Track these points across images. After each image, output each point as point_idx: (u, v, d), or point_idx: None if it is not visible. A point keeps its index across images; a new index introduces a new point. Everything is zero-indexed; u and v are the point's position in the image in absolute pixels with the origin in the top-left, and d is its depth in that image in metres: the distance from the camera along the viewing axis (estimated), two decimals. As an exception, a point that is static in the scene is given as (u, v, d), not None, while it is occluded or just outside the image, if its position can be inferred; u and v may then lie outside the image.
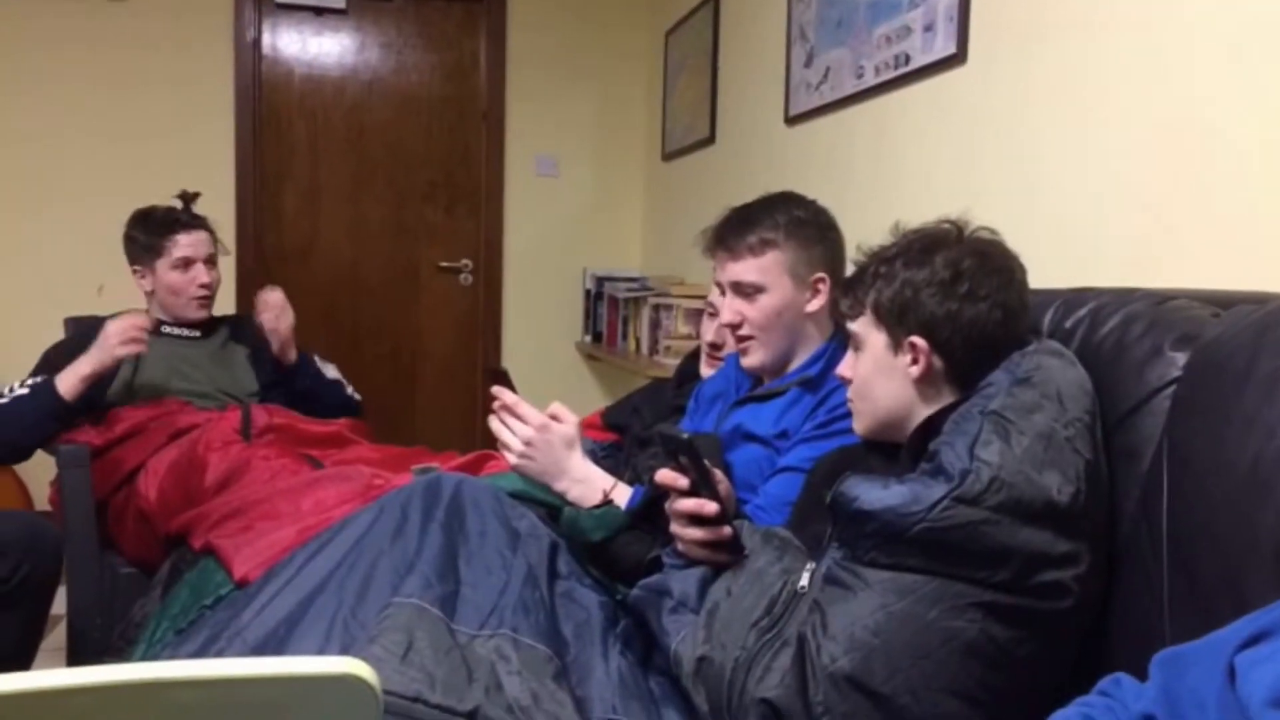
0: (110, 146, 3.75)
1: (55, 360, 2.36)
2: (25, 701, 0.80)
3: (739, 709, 1.08)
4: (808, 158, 2.79)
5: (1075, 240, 1.72)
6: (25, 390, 2.22)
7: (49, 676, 0.81)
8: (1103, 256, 1.67)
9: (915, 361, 1.23)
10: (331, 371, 2.64)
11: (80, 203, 3.62)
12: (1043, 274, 1.32)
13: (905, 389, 1.25)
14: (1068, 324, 1.31)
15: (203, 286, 2.48)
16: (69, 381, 2.20)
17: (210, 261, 2.51)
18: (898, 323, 1.24)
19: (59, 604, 2.05)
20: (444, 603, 1.22)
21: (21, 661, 1.92)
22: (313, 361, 2.61)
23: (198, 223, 2.52)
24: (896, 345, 1.25)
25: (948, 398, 1.24)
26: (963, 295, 1.20)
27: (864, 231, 1.40)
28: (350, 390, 2.65)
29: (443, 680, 1.11)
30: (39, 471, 2.97)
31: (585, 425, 2.28)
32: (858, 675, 1.03)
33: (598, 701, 1.19)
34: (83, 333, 2.50)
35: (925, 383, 1.24)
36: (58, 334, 2.57)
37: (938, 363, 1.23)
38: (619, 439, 2.23)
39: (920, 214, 1.34)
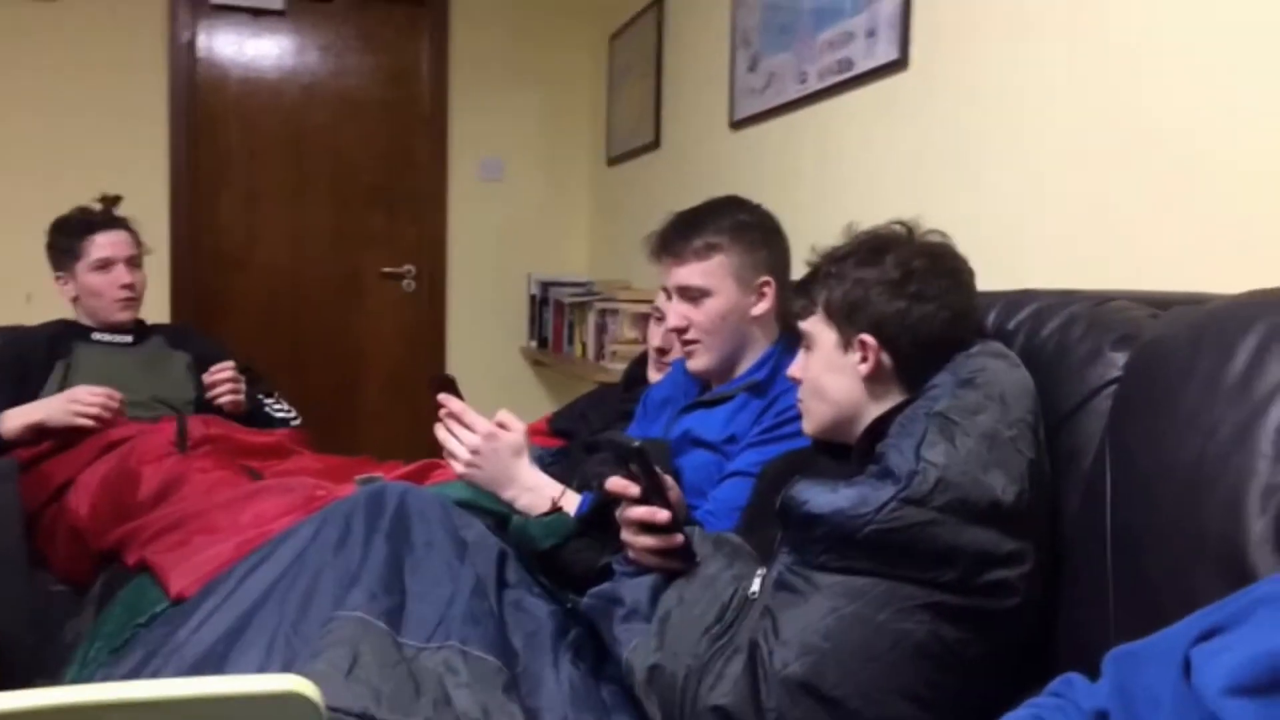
0: (38, 150, 3.64)
1: None
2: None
3: (692, 716, 1.07)
4: (753, 162, 2.80)
5: (1017, 241, 1.74)
6: None
7: (-24, 702, 0.78)
8: (1044, 258, 1.69)
9: (865, 359, 1.24)
10: (280, 412, 2.54)
11: (5, 209, 3.51)
12: (986, 275, 1.33)
13: (855, 387, 1.26)
14: (1010, 325, 1.32)
15: (125, 287, 2.41)
16: (14, 425, 2.16)
17: (132, 262, 2.43)
18: (848, 321, 1.25)
19: (-14, 624, 1.97)
20: (390, 615, 1.20)
21: (-54, 684, 1.84)
22: (261, 409, 2.50)
23: (116, 222, 2.44)
24: (846, 343, 1.26)
25: (896, 397, 1.25)
26: (911, 295, 1.22)
27: (810, 234, 1.41)
28: (295, 420, 2.56)
29: (389, 695, 1.09)
30: (-36, 487, 2.87)
31: (532, 431, 2.26)
32: (809, 680, 1.03)
33: (549, 712, 1.18)
34: (11, 341, 2.42)
35: (874, 381, 1.25)
36: (-18, 345, 2.49)
37: (886, 361, 1.24)
38: (566, 444, 2.21)
39: (866, 216, 1.35)
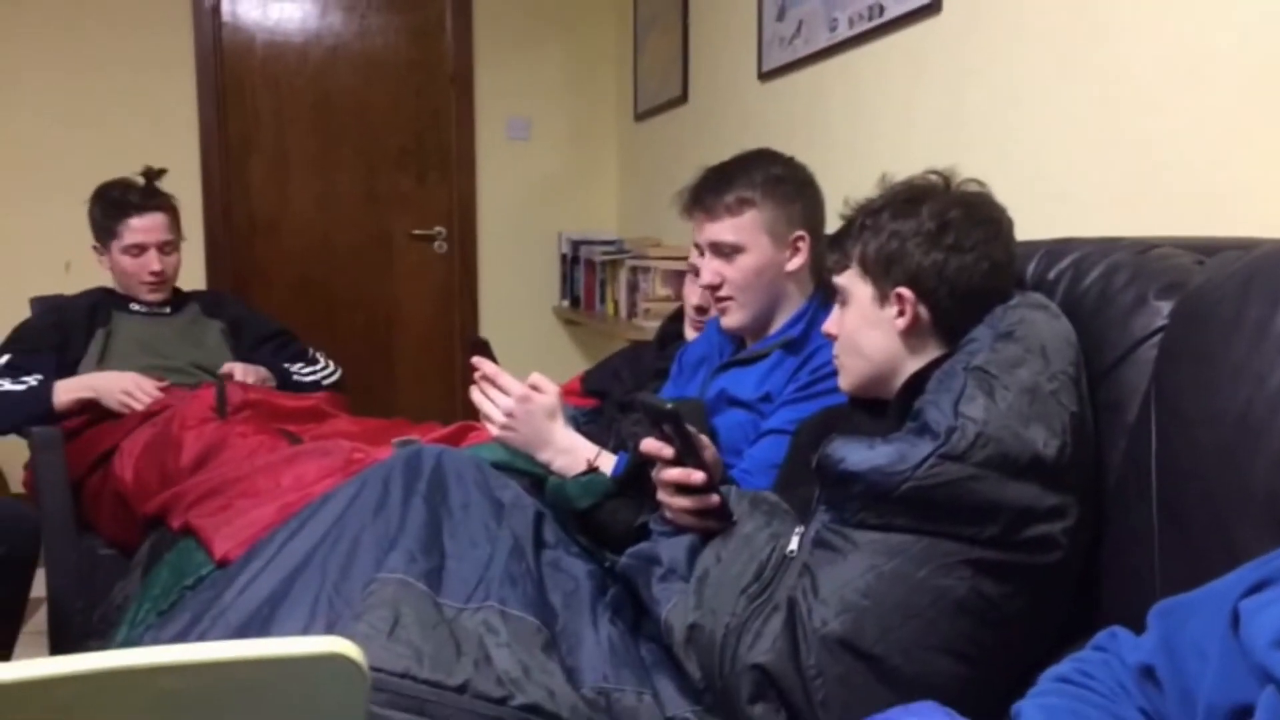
0: (71, 122, 3.66)
1: (27, 339, 2.35)
2: (11, 692, 0.78)
3: (731, 675, 1.08)
4: (783, 114, 2.75)
5: (1058, 189, 1.70)
6: (20, 386, 2.22)
7: (34, 666, 0.79)
8: (1086, 206, 1.66)
9: (902, 313, 1.23)
10: (309, 375, 2.55)
11: (44, 180, 3.54)
12: (1026, 225, 1.31)
13: (892, 341, 1.25)
14: (1050, 275, 1.30)
15: (153, 274, 2.42)
16: (67, 397, 2.23)
17: (165, 248, 2.43)
18: (884, 274, 1.23)
19: (39, 587, 2.02)
20: (429, 577, 1.21)
21: (2, 645, 1.90)
22: (289, 380, 2.50)
23: (154, 204, 2.42)
24: (883, 297, 1.24)
25: (934, 351, 1.23)
26: (949, 246, 1.19)
27: (842, 187, 1.38)
28: (329, 379, 2.57)
29: (430, 655, 1.10)
30: (12, 454, 2.93)
31: (565, 391, 2.26)
32: (849, 637, 1.03)
33: (589, 670, 1.18)
34: (55, 308, 2.46)
35: (911, 335, 1.23)
36: (23, 313, 2.52)
37: (924, 314, 1.22)
38: (599, 404, 2.22)
39: (900, 168, 1.32)
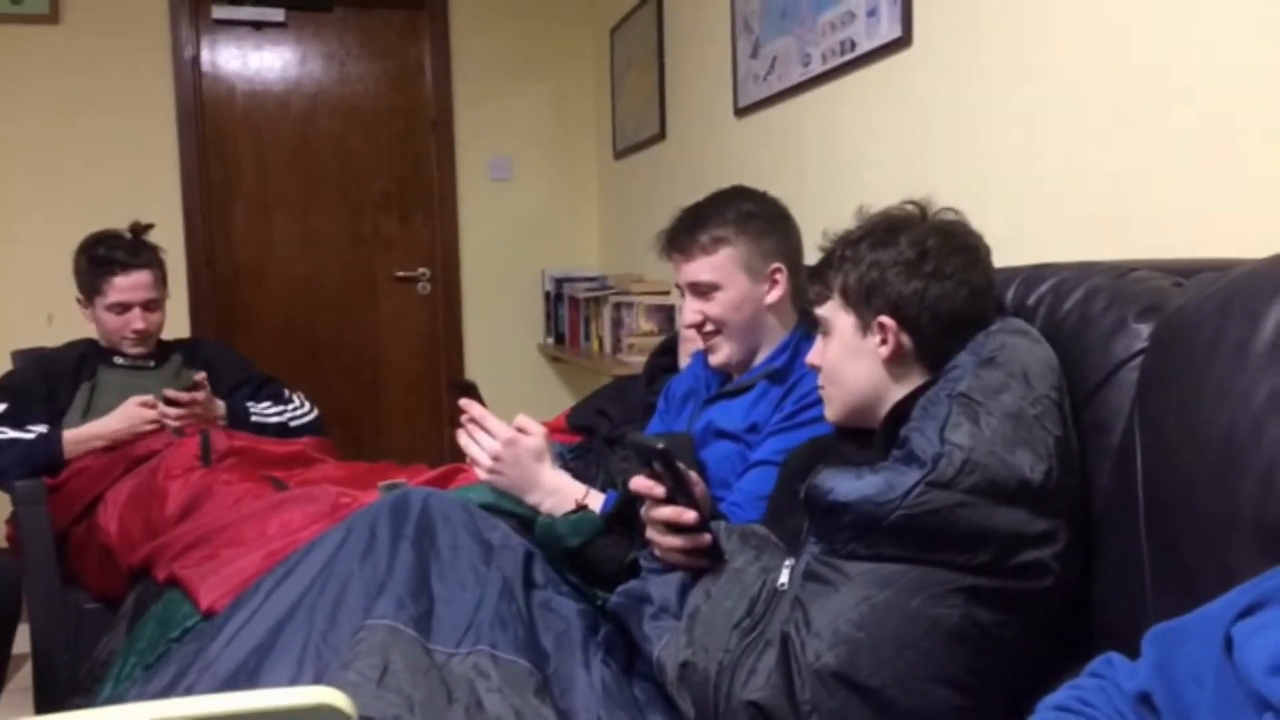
0: (53, 172, 3.66)
1: (15, 389, 2.33)
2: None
3: (726, 713, 1.07)
4: (759, 149, 2.78)
5: (1033, 217, 1.72)
6: (28, 435, 2.22)
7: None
8: (1062, 233, 1.67)
9: (884, 342, 1.23)
10: (273, 415, 2.52)
11: (26, 231, 3.53)
12: (1003, 253, 1.32)
13: (875, 370, 1.25)
14: (1030, 301, 1.31)
15: (135, 332, 2.41)
16: (77, 446, 2.24)
17: (150, 306, 2.41)
18: (865, 303, 1.24)
19: (24, 643, 1.99)
20: (418, 622, 1.19)
21: (-14, 703, 1.87)
22: (247, 418, 2.47)
23: (139, 262, 2.41)
24: (865, 327, 1.25)
25: (917, 379, 1.24)
26: (928, 274, 1.20)
27: (821, 219, 1.39)
28: (300, 420, 2.55)
29: (421, 702, 1.08)
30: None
31: (550, 429, 2.26)
32: (844, 670, 1.02)
33: (582, 713, 1.17)
34: (41, 360, 2.45)
35: (895, 363, 1.24)
36: (5, 365, 2.51)
37: (906, 342, 1.23)
38: (585, 440, 2.21)
39: (877, 199, 1.33)
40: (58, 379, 2.37)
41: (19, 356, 2.54)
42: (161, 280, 2.46)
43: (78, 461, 2.23)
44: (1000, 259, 1.30)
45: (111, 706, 0.83)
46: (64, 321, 2.59)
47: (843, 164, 2.35)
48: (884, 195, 1.33)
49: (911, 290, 1.20)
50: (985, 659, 1.04)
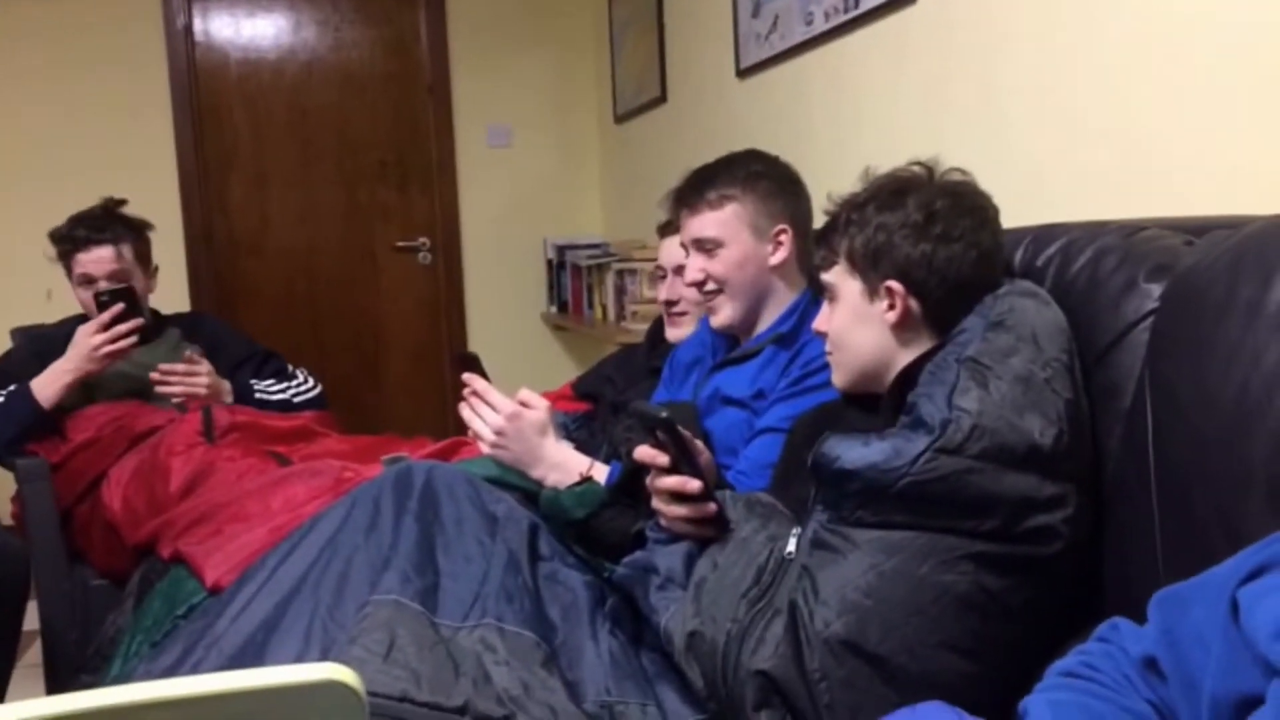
0: (47, 147, 3.63)
1: (10, 370, 2.30)
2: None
3: (734, 683, 1.06)
4: (763, 111, 2.74)
5: (1042, 174, 1.69)
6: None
7: (26, 708, 0.78)
8: (1071, 189, 1.64)
9: (892, 306, 1.22)
10: (276, 392, 2.49)
11: (22, 207, 3.49)
12: (1011, 212, 1.29)
13: (883, 336, 1.24)
14: (1039, 262, 1.28)
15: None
16: (49, 390, 2.18)
17: (115, 277, 2.36)
18: (872, 268, 1.22)
19: (32, 620, 2.00)
20: (424, 596, 1.19)
21: (-1, 679, 1.88)
22: (250, 396, 2.43)
23: (103, 237, 2.37)
24: (872, 291, 1.23)
25: (925, 343, 1.22)
26: (936, 236, 1.18)
27: (827, 182, 1.37)
28: (304, 396, 2.52)
29: (429, 677, 1.08)
30: None
31: (556, 397, 2.25)
32: (852, 638, 1.02)
33: (590, 684, 1.17)
34: (35, 339, 2.43)
35: (903, 328, 1.22)
36: (3, 344, 2.50)
37: (914, 306, 1.21)
38: (591, 409, 2.20)
39: (884, 160, 1.31)
40: (53, 357, 2.34)
41: (18, 334, 2.53)
42: (137, 254, 2.42)
43: (79, 436, 2.21)
44: (1011, 219, 1.28)
45: (119, 685, 0.83)
46: (62, 298, 2.57)
47: (848, 125, 2.32)
48: (892, 156, 1.30)
49: (919, 253, 1.19)
50: (994, 625, 1.03)
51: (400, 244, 4.15)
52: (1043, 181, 1.68)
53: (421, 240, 4.17)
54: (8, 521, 2.59)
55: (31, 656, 2.24)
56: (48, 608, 2.13)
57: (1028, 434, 1.04)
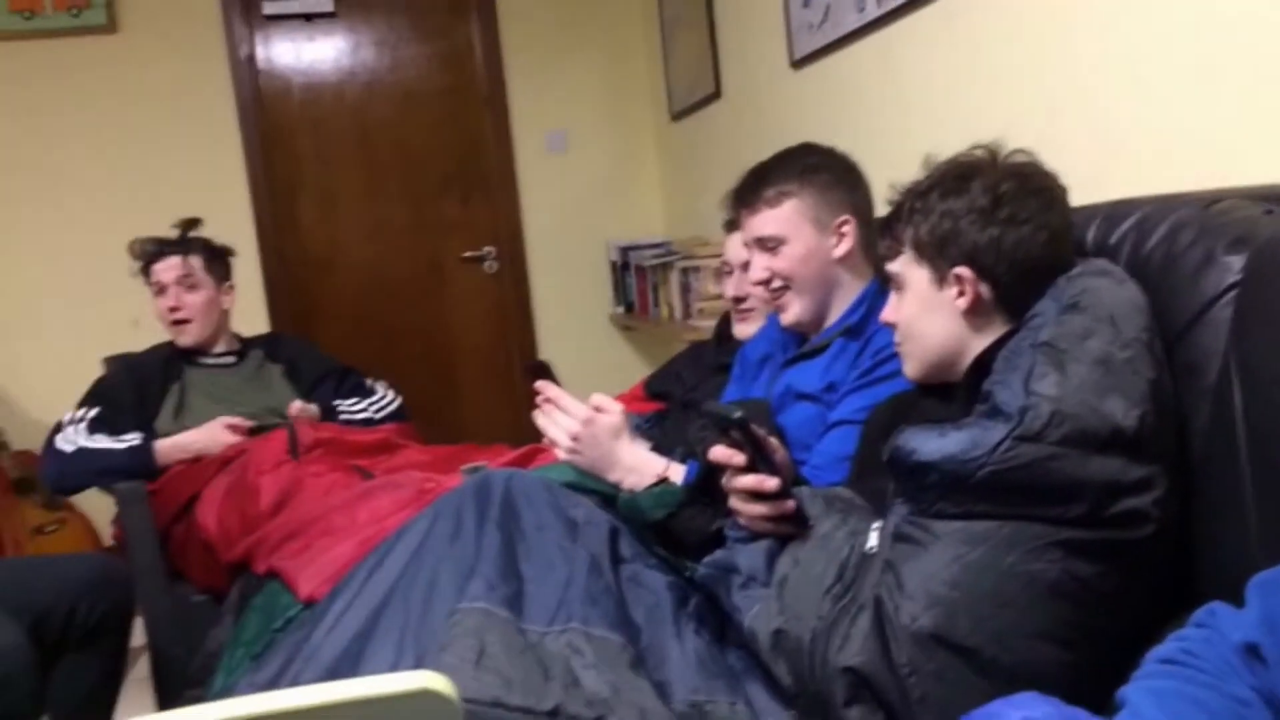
0: (125, 178, 3.74)
1: (107, 395, 2.42)
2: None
3: (823, 679, 1.06)
4: (819, 101, 2.72)
5: (1111, 149, 1.65)
6: (121, 445, 2.31)
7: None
8: (1142, 163, 1.60)
9: (962, 293, 1.20)
10: (359, 411, 2.57)
11: (106, 239, 3.59)
12: (1080, 190, 1.27)
13: (954, 324, 1.22)
14: (1112, 239, 1.26)
15: (170, 309, 2.49)
16: (170, 457, 2.32)
17: (183, 283, 2.49)
18: (940, 255, 1.21)
19: (138, 636, 2.08)
20: (510, 603, 1.21)
21: (108, 696, 1.96)
22: (334, 418, 2.52)
23: (172, 249, 2.51)
24: (941, 279, 1.22)
25: (999, 329, 1.21)
26: (1004, 220, 1.17)
27: (887, 171, 1.36)
28: (385, 411, 2.59)
29: (519, 681, 1.10)
30: (100, 510, 3.02)
31: (628, 399, 2.26)
32: (941, 631, 1.01)
33: (678, 684, 1.18)
34: (127, 366, 2.54)
35: (975, 314, 1.21)
36: (95, 371, 2.60)
37: (985, 292, 1.20)
38: (664, 408, 2.21)
39: (945, 145, 1.29)
40: (146, 383, 2.46)
41: (110, 362, 2.64)
42: (207, 268, 2.53)
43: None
44: (1078, 198, 1.26)
45: (228, 699, 0.87)
46: (149, 325, 2.67)
47: (908, 111, 2.29)
48: (954, 141, 1.29)
49: (987, 238, 1.17)
50: (1087, 613, 1.01)
51: (466, 255, 4.21)
52: (1112, 156, 1.64)
53: (487, 249, 4.22)
54: (109, 543, 2.71)
55: (140, 671, 2.33)
56: (152, 625, 2.21)
57: (1110, 417, 1.02)
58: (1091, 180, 1.35)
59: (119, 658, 1.98)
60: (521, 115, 4.15)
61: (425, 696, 0.88)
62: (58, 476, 2.34)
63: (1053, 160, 1.24)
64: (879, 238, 1.31)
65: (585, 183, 4.24)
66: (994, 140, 1.25)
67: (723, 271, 2.18)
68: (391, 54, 4.09)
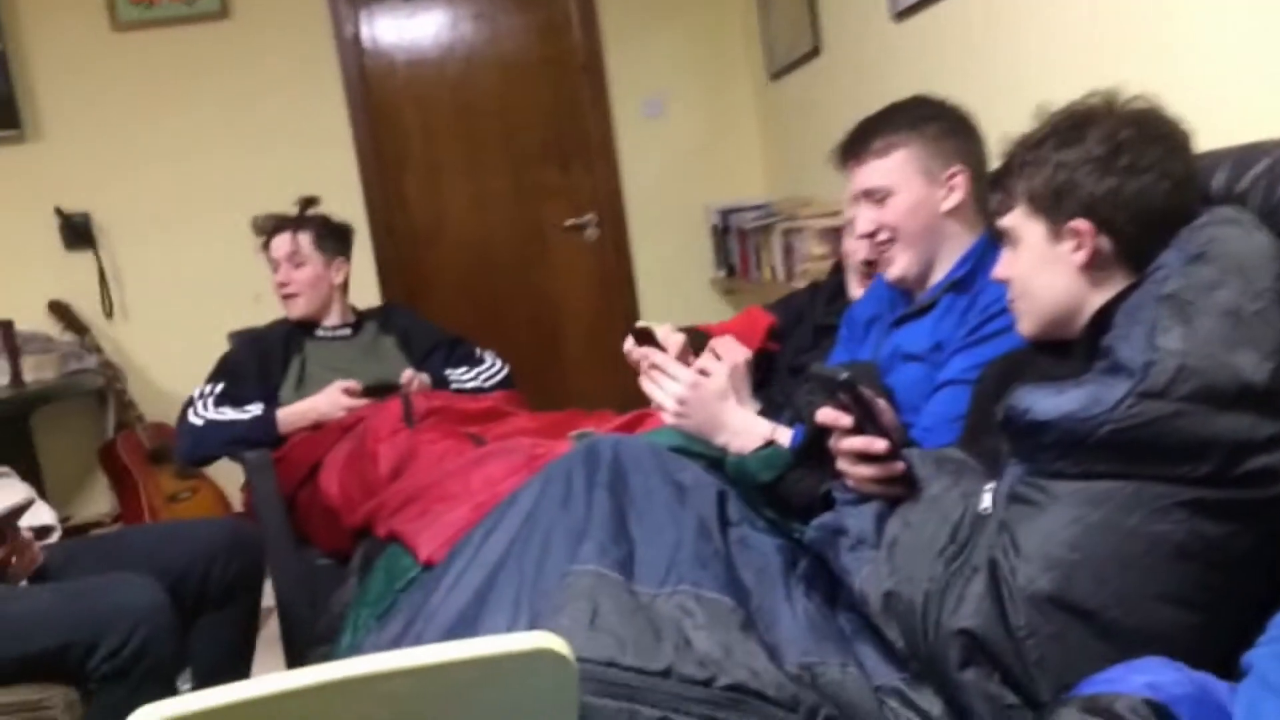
0: (242, 158, 3.88)
1: (232, 369, 2.55)
2: (259, 706, 0.86)
3: (936, 642, 1.05)
4: (923, 53, 2.64)
5: (1236, 90, 1.56)
6: (245, 415, 2.43)
7: (279, 681, 0.87)
8: (1272, 102, 1.51)
9: (1079, 247, 1.17)
10: (469, 380, 2.64)
11: (225, 218, 3.75)
12: (1205, 135, 1.21)
13: (1071, 279, 1.19)
14: (1241, 185, 1.20)
15: (280, 285, 2.61)
16: (294, 423, 2.43)
17: (293, 258, 2.59)
18: (1055, 208, 1.17)
19: (269, 597, 2.20)
20: (621, 566, 1.23)
21: (244, 653, 2.08)
22: (446, 387, 2.59)
23: (284, 226, 2.62)
24: (1056, 233, 1.18)
25: (1119, 283, 1.17)
26: (1123, 169, 1.13)
27: (998, 123, 1.32)
28: (494, 379, 2.65)
29: (632, 642, 1.12)
30: (229, 478, 3.18)
31: (748, 329, 2.20)
32: (1060, 594, 0.99)
33: (789, 646, 1.18)
34: (251, 340, 2.67)
35: (1093, 268, 1.17)
36: (221, 345, 2.73)
37: (1104, 245, 1.16)
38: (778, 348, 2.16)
39: (1058, 94, 1.24)
40: (269, 357, 2.57)
41: (235, 337, 2.76)
42: (313, 243, 2.61)
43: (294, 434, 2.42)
44: (1202, 143, 1.20)
45: (357, 657, 0.91)
46: (269, 300, 2.78)
47: (1017, 62, 2.20)
48: (1067, 90, 1.24)
49: (1105, 189, 1.13)
50: (1215, 574, 0.98)
51: (568, 222, 4.24)
52: (1237, 97, 1.55)
53: (588, 217, 4.25)
54: (239, 509, 2.84)
55: (270, 630, 2.45)
56: (281, 586, 2.33)
57: (1239, 371, 0.98)
58: (1217, 125, 1.28)
59: (252, 617, 2.09)
60: (619, 81, 4.15)
61: (543, 656, 0.92)
62: (190, 449, 2.48)
63: (1176, 106, 1.18)
64: (991, 192, 1.28)
65: (684, 146, 4.22)
66: (1111, 87, 1.20)
67: (845, 230, 2.05)
68: (490, 26, 4.13)
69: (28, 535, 1.82)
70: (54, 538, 1.93)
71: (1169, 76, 1.59)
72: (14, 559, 1.75)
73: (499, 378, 2.65)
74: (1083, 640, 0.98)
